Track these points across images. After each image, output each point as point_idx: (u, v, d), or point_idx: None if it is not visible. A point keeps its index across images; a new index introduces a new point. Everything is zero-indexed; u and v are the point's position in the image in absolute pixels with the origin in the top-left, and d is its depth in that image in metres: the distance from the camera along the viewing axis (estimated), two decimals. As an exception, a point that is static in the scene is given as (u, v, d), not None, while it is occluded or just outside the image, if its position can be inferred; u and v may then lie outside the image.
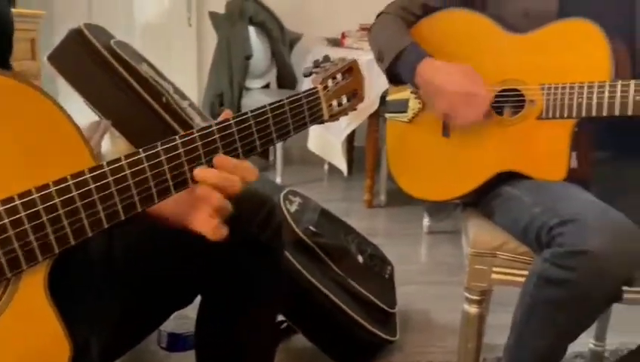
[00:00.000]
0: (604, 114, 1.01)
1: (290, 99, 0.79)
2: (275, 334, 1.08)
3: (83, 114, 1.54)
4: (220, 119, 0.72)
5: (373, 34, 1.32)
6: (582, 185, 1.13)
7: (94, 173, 0.56)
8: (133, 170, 0.60)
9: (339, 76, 0.92)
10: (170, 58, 3.75)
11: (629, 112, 0.99)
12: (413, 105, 1.28)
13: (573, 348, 1.60)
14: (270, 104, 0.77)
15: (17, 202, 0.51)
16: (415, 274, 2.13)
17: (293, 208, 1.56)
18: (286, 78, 3.55)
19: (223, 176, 0.68)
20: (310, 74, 0.92)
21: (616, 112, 1.00)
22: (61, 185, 0.54)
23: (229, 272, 0.93)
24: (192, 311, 1.02)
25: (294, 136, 0.91)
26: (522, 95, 1.12)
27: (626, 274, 0.91)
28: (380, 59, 1.27)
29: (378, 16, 1.34)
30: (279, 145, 3.21)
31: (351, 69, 0.95)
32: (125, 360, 0.97)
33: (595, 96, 1.02)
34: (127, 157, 0.60)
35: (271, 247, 0.96)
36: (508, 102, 1.15)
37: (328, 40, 3.13)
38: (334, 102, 0.91)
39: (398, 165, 1.32)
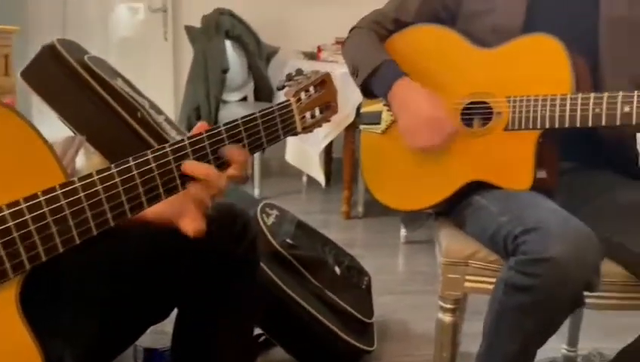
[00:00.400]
0: (567, 125, 1.05)
1: (263, 112, 0.81)
2: (254, 347, 1.08)
3: (54, 129, 1.54)
4: (194, 131, 0.73)
5: (346, 48, 1.35)
6: (548, 194, 1.17)
7: (65, 189, 0.57)
8: (105, 185, 0.60)
9: (312, 89, 0.94)
10: (146, 72, 3.74)
11: (589, 124, 1.03)
12: (387, 117, 1.30)
13: (547, 353, 1.65)
14: (243, 117, 0.78)
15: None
16: (393, 284, 2.15)
17: (270, 221, 1.57)
18: (263, 91, 3.57)
19: (211, 172, 0.70)
20: (283, 87, 0.94)
21: (578, 124, 1.04)
22: (32, 202, 0.54)
23: (204, 285, 0.94)
24: (168, 325, 1.02)
25: (272, 148, 0.93)
26: (490, 107, 1.16)
27: (586, 280, 0.94)
28: (354, 73, 1.30)
29: (351, 30, 1.37)
30: (257, 158, 3.22)
31: (324, 82, 0.98)
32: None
33: (557, 108, 1.05)
34: (98, 172, 0.61)
35: (246, 260, 0.97)
36: (477, 114, 1.18)
37: (304, 53, 3.17)
38: (307, 115, 0.92)
39: (372, 175, 1.35)
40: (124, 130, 1.48)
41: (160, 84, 3.74)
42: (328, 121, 0.98)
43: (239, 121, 0.77)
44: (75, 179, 0.58)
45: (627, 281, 1.09)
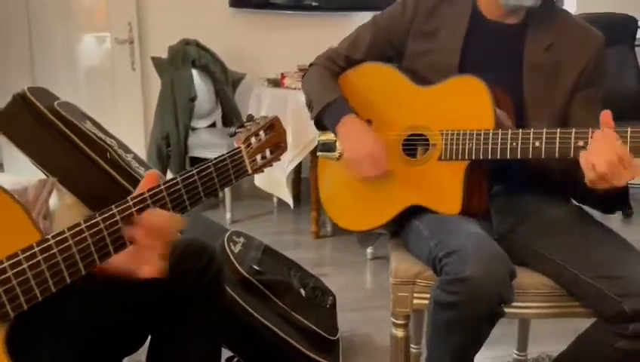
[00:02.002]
0: (489, 157, 1.18)
1: (215, 160, 0.91)
2: None
3: (27, 171, 1.62)
4: (145, 182, 0.83)
5: (304, 83, 1.47)
6: (484, 216, 1.29)
7: (41, 246, 0.67)
8: (75, 239, 0.70)
9: (261, 133, 1.05)
10: (115, 102, 3.82)
11: (508, 156, 1.16)
12: (340, 145, 1.42)
13: (499, 359, 1.78)
14: (197, 166, 0.89)
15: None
16: (359, 301, 2.26)
17: (237, 249, 1.67)
18: (230, 117, 3.68)
19: (151, 229, 0.78)
20: (235, 134, 1.04)
21: (498, 156, 1.17)
22: (13, 260, 0.64)
23: (174, 314, 1.04)
24: (143, 354, 1.11)
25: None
26: (427, 139, 1.29)
27: (499, 294, 1.06)
28: (309, 106, 1.42)
29: (309, 65, 1.49)
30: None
31: (273, 125, 1.08)
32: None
33: (482, 142, 1.19)
34: (69, 229, 0.71)
35: (211, 290, 1.07)
36: (417, 145, 1.31)
37: (269, 80, 3.28)
38: (258, 157, 1.03)
39: (327, 198, 1.46)
40: (94, 171, 1.57)
41: (129, 113, 3.82)
42: (279, 159, 1.09)
43: (194, 171, 0.87)
44: (49, 236, 0.68)
45: (551, 292, 1.22)
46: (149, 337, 1.08)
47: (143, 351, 1.10)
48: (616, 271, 1.07)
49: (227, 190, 3.32)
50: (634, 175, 1.03)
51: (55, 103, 1.59)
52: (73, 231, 0.70)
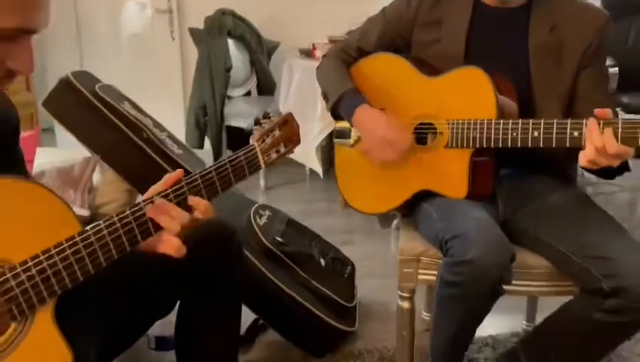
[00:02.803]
0: (492, 145, 1.26)
1: (231, 158, 1.03)
2: (239, 327, 1.32)
3: (77, 150, 1.78)
4: (168, 179, 0.95)
5: (319, 75, 1.56)
6: (491, 200, 1.37)
7: (82, 236, 0.81)
8: (109, 229, 0.84)
9: (276, 130, 1.15)
10: (156, 70, 3.97)
11: (509, 145, 1.24)
12: (354, 133, 1.51)
13: (512, 328, 1.88)
14: (215, 164, 1.00)
15: (30, 263, 0.76)
16: (382, 268, 2.37)
17: (262, 221, 1.81)
18: (265, 85, 3.78)
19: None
20: (251, 131, 1.15)
21: (500, 145, 1.25)
22: (59, 248, 0.78)
23: (200, 283, 1.18)
24: (172, 316, 1.27)
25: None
26: (435, 127, 1.36)
27: (499, 276, 1.15)
28: (325, 97, 1.51)
29: (323, 57, 1.57)
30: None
31: (286, 121, 1.18)
32: (121, 359, 1.22)
33: (485, 131, 1.26)
34: (105, 221, 0.84)
35: (231, 262, 1.21)
36: (426, 133, 1.39)
37: (301, 51, 3.35)
38: (272, 151, 1.14)
39: (344, 182, 1.57)
40: (132, 149, 1.72)
41: (169, 81, 3.97)
42: (292, 152, 1.20)
43: (212, 168, 0.99)
44: (88, 228, 0.82)
45: (552, 272, 1.30)
46: (178, 302, 1.24)
47: (172, 314, 1.26)
48: (603, 253, 1.15)
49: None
50: (621, 159, 1.09)
51: (96, 86, 1.74)
52: (108, 223, 0.84)
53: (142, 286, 1.13)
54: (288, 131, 1.17)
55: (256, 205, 1.87)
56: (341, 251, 2.00)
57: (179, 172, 0.96)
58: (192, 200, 0.94)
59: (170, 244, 0.93)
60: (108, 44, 3.97)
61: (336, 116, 1.50)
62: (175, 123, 3.63)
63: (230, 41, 3.56)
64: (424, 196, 1.40)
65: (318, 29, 3.46)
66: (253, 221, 1.77)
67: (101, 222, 0.83)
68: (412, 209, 1.45)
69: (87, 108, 1.70)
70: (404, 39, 1.46)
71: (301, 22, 3.81)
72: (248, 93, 3.80)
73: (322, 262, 1.84)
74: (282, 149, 1.16)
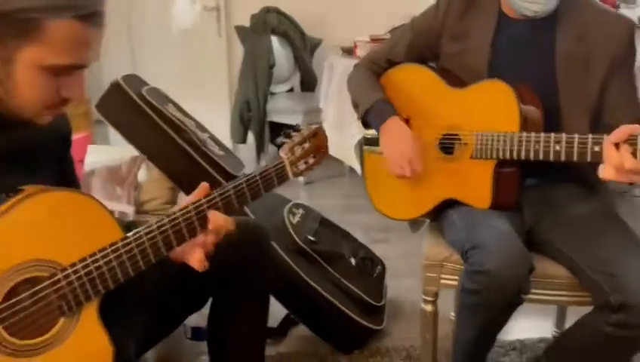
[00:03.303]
0: (515, 157, 1.29)
1: (261, 171, 1.10)
2: (267, 321, 1.41)
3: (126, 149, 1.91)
4: (200, 190, 1.03)
5: (350, 85, 1.61)
6: (516, 209, 1.40)
7: (124, 242, 0.90)
8: (148, 236, 0.93)
9: (305, 143, 1.22)
10: (203, 66, 4.12)
11: (531, 158, 1.26)
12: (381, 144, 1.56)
13: (540, 334, 1.89)
14: (246, 176, 1.08)
15: (79, 266, 0.86)
16: (413, 268, 2.40)
17: (295, 220, 1.89)
18: (308, 82, 3.86)
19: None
20: (282, 144, 1.23)
21: (523, 157, 1.27)
22: (103, 253, 0.88)
23: (230, 280, 1.27)
24: (207, 309, 1.37)
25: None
26: (460, 138, 1.40)
27: (517, 287, 1.19)
28: (355, 106, 1.57)
29: (354, 67, 1.63)
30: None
31: (316, 134, 1.25)
32: (159, 348, 1.34)
33: (508, 143, 1.29)
34: (145, 228, 0.94)
35: (259, 262, 1.30)
36: (452, 143, 1.43)
37: (343, 49, 3.40)
38: (301, 163, 1.21)
39: (372, 187, 1.62)
40: (175, 150, 1.83)
41: (215, 76, 4.11)
42: (319, 163, 1.26)
43: (243, 180, 1.06)
44: (129, 234, 0.91)
45: (573, 282, 1.33)
46: (211, 298, 1.33)
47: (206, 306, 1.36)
48: (612, 269, 1.17)
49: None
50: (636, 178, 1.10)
51: (143, 90, 1.85)
52: (147, 230, 0.93)
53: (177, 283, 1.22)
54: (317, 143, 1.23)
55: (290, 203, 1.95)
56: (372, 250, 2.06)
57: (206, 184, 1.04)
58: (212, 214, 1.01)
59: (195, 257, 1.01)
60: (158, 40, 4.13)
61: (366, 125, 1.55)
62: (221, 118, 3.78)
63: (274, 38, 3.66)
64: (451, 203, 1.45)
65: (360, 27, 3.50)
66: (286, 219, 1.85)
67: (141, 229, 0.93)
68: (439, 215, 1.50)
69: (134, 111, 1.82)
70: (433, 50, 1.50)
71: (344, 19, 3.86)
72: (291, 90, 3.89)
73: (352, 261, 1.91)
74: (311, 160, 1.22)
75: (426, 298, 1.48)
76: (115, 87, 1.83)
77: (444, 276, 1.44)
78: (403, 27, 1.56)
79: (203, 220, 1.00)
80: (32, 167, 0.96)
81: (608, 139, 1.07)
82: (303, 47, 3.85)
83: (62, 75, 0.85)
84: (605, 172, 1.09)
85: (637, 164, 1.07)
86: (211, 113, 4.02)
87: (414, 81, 1.50)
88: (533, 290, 1.28)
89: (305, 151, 1.20)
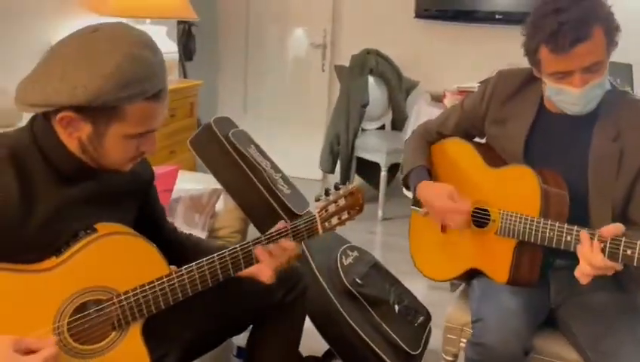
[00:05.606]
0: (532, 240, 1.37)
1: (292, 226, 1.30)
2: (328, 355, 1.60)
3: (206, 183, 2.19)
4: (279, 225, 1.27)
5: (404, 148, 1.77)
6: (540, 287, 1.47)
7: (168, 278, 1.15)
8: (188, 274, 1.17)
9: (341, 201, 1.39)
10: (307, 97, 4.44)
11: (546, 243, 1.34)
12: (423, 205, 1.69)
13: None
14: (286, 226, 1.29)
15: (130, 294, 1.12)
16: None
17: (347, 261, 2.06)
18: (399, 121, 4.02)
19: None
20: (319, 199, 1.41)
21: (539, 242, 1.35)
22: (151, 284, 1.13)
23: (268, 315, 1.48)
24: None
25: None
26: (489, 214, 1.51)
27: (511, 359, 1.28)
28: (401, 169, 1.72)
29: (413, 132, 1.78)
30: (382, 180, 3.68)
31: (353, 193, 1.41)
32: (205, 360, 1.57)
33: (527, 226, 1.38)
34: (197, 263, 1.18)
35: (294, 303, 1.50)
36: (482, 216, 1.53)
37: (432, 95, 3.52)
38: (334, 218, 1.38)
39: (415, 247, 1.76)
40: (250, 187, 2.08)
41: (316, 108, 4.41)
42: (353, 219, 1.42)
43: (288, 230, 1.28)
44: (182, 269, 1.16)
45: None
46: (251, 326, 1.55)
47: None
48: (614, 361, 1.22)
49: (381, 187, 3.69)
50: (608, 272, 1.20)
51: (230, 132, 2.14)
52: (188, 269, 1.17)
53: (222, 310, 1.45)
54: (352, 202, 1.39)
55: (345, 245, 2.13)
56: (418, 299, 2.18)
57: (284, 222, 1.29)
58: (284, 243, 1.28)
59: (264, 273, 1.27)
60: (271, 70, 4.53)
61: (407, 187, 1.70)
62: (316, 147, 4.06)
63: (371, 78, 3.86)
64: (479, 272, 1.55)
65: (454, 76, 3.61)
66: (338, 260, 2.03)
67: (193, 264, 1.18)
68: (470, 280, 1.60)
69: (220, 150, 2.10)
70: (478, 129, 1.62)
71: (442, 66, 3.98)
72: (382, 127, 4.06)
73: (396, 308, 2.03)
74: (344, 216, 1.39)
75: (447, 357, 1.59)
76: (207, 127, 2.13)
77: (463, 339, 1.54)
78: (454, 105, 1.69)
79: (245, 260, 1.24)
80: (116, 207, 1.23)
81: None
82: (399, 88, 4.01)
83: (138, 138, 1.11)
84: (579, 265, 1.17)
85: (605, 261, 1.17)
86: (309, 141, 4.34)
87: (457, 153, 1.63)
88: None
89: (340, 208, 1.37)
